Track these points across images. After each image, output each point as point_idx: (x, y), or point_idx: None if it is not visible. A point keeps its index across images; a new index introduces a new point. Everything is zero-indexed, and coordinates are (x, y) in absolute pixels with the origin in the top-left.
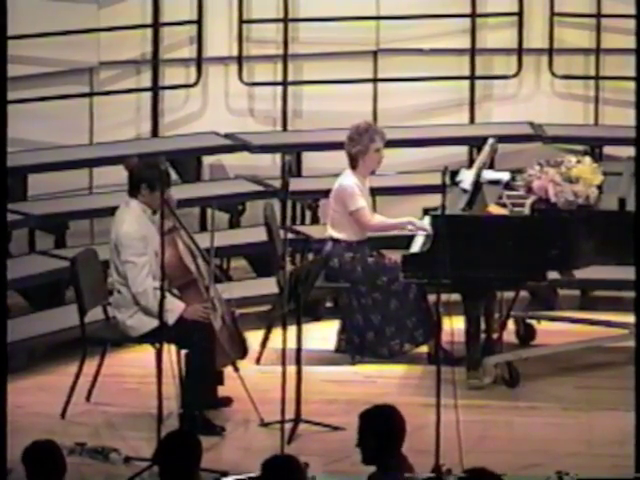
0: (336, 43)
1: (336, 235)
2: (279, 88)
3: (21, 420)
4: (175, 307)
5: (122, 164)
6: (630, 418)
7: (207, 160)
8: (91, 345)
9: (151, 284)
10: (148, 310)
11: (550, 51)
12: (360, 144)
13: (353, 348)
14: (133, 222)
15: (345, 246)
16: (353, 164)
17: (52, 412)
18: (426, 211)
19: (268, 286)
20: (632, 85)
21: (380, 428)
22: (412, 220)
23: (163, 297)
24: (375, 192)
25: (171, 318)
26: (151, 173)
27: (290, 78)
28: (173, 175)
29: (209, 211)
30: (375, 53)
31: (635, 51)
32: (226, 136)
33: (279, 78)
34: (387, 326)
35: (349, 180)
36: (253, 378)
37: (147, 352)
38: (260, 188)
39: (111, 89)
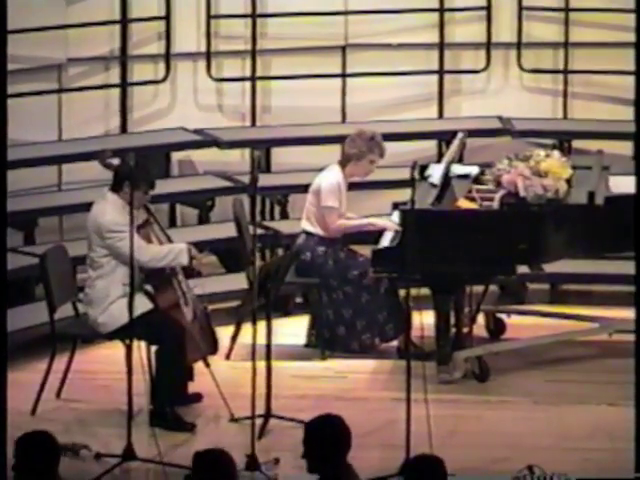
0: (304, 38)
1: (309, 228)
2: (248, 83)
3: None
4: (180, 249)
5: (95, 159)
6: (600, 412)
7: (176, 156)
8: (61, 342)
9: (152, 250)
10: (163, 259)
11: (518, 45)
12: (359, 148)
13: (323, 343)
14: (115, 212)
15: (318, 240)
16: (344, 163)
17: (22, 409)
18: (395, 205)
19: (238, 282)
20: (601, 79)
21: (326, 438)
22: (372, 221)
23: (132, 292)
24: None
25: (184, 258)
26: (139, 173)
27: (259, 73)
28: None
29: (178, 207)
30: (344, 48)
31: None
32: (195, 132)
33: (248, 74)
34: (358, 320)
35: (334, 176)
36: (223, 374)
37: (117, 348)
38: (229, 184)
39: (80, 85)
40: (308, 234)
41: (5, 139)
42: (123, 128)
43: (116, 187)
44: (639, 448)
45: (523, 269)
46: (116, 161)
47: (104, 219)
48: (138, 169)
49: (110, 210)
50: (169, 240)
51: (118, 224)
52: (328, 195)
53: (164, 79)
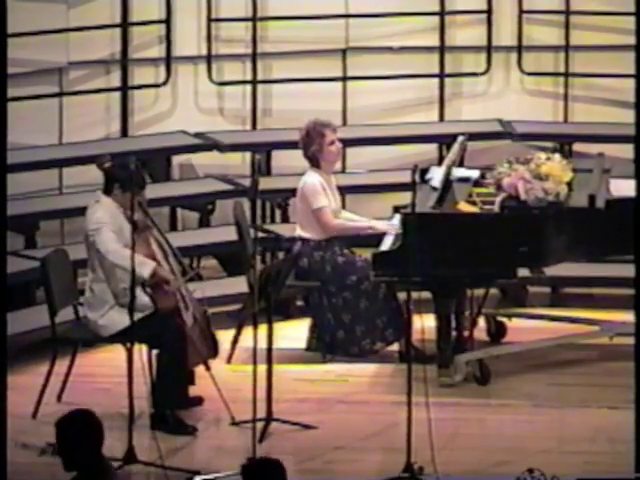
0: (305, 42)
1: (304, 234)
2: (248, 87)
3: None
4: (147, 261)
5: (94, 164)
6: (600, 415)
7: (177, 159)
8: (62, 345)
9: (119, 247)
10: (125, 258)
11: (519, 48)
12: (313, 144)
13: (324, 347)
14: (104, 213)
15: (314, 245)
16: (315, 164)
17: (23, 412)
18: (396, 209)
19: (238, 285)
20: (601, 82)
21: (75, 433)
22: (372, 225)
23: (133, 297)
24: (345, 190)
25: (146, 271)
26: (124, 174)
27: (259, 77)
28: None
29: (179, 211)
30: (344, 51)
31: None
32: (196, 135)
33: (248, 77)
34: (357, 325)
35: (312, 178)
36: (224, 377)
37: (118, 352)
38: (230, 187)
39: (80, 89)
40: (304, 240)
41: (5, 142)
42: (124, 132)
43: (107, 190)
44: (639, 448)
45: (524, 272)
46: None
47: (92, 218)
48: (126, 171)
49: (100, 211)
50: (169, 245)
51: (96, 222)
52: (314, 197)
53: (165, 82)
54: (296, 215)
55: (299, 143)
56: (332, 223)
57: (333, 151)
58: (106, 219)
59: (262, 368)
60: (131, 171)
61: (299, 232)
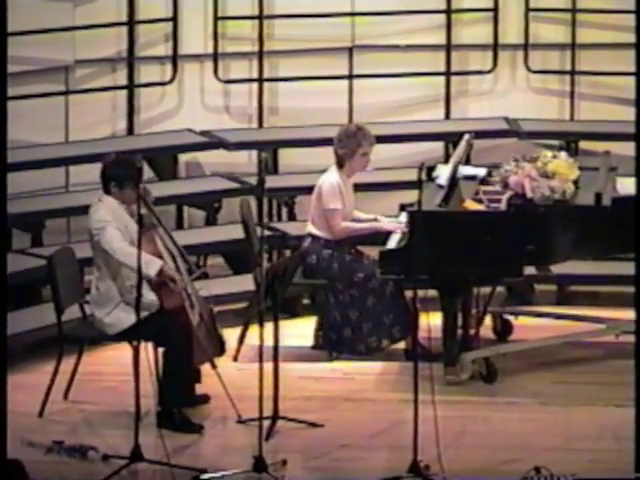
0: (312, 40)
1: (315, 232)
2: (255, 85)
3: None
4: (154, 260)
5: (100, 162)
6: (606, 413)
7: (183, 157)
8: (68, 343)
9: (125, 245)
10: (130, 255)
11: (525, 46)
12: (347, 147)
13: (330, 345)
14: (107, 212)
15: (323, 243)
16: (340, 163)
17: (30, 411)
18: (403, 207)
19: (245, 283)
20: (607, 80)
21: None
22: (377, 225)
23: (140, 295)
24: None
25: (153, 269)
26: (119, 171)
27: (266, 75)
28: (149, 173)
29: (185, 209)
30: (351, 49)
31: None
32: (202, 133)
33: (255, 75)
34: (364, 323)
35: (332, 178)
36: (231, 375)
37: (124, 350)
38: (236, 185)
39: (87, 87)
40: (314, 237)
41: (5, 139)
42: (130, 130)
43: (106, 189)
44: (639, 448)
45: (530, 270)
46: None
47: (94, 216)
48: (119, 168)
49: (103, 209)
50: (174, 243)
51: (100, 221)
52: (329, 197)
53: (171, 81)
54: (309, 211)
55: (336, 137)
56: (339, 227)
57: (361, 162)
58: (108, 217)
59: (268, 366)
60: (128, 167)
61: (310, 228)
